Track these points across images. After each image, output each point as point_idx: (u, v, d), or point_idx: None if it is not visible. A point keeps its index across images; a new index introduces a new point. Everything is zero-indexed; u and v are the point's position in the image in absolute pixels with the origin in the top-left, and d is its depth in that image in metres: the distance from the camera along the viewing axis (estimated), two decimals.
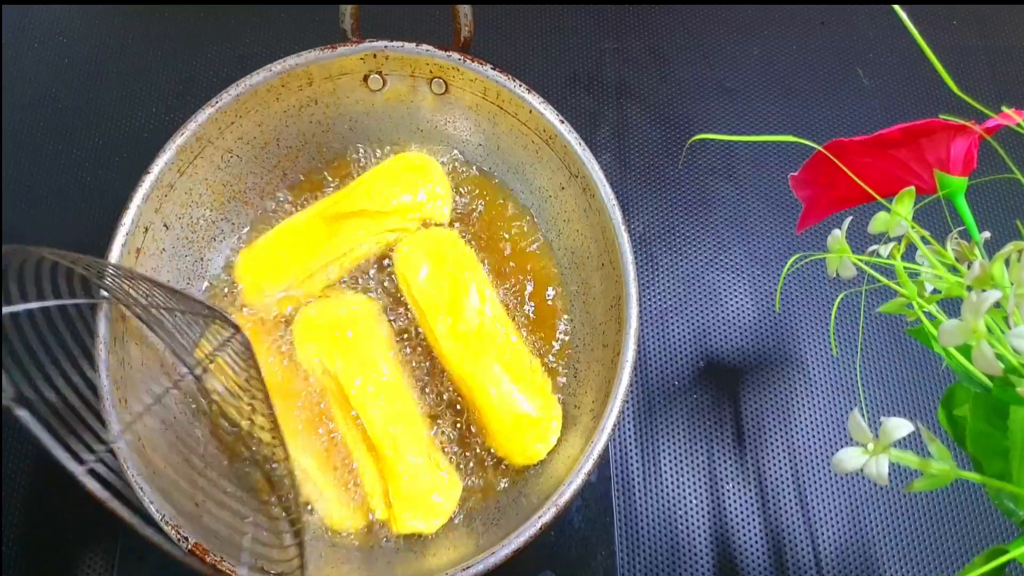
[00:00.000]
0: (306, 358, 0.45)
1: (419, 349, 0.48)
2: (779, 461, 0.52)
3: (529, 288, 0.49)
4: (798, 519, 0.50)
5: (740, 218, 0.59)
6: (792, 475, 0.51)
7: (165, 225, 0.46)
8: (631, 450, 0.52)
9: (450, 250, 0.48)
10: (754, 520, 0.50)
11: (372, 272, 0.50)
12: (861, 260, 0.31)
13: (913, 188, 0.31)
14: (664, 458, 0.51)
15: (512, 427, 0.44)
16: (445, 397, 0.47)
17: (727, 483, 0.51)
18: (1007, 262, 0.27)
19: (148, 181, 0.44)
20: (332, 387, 0.45)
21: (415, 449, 0.44)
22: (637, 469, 0.51)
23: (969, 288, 0.27)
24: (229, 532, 0.35)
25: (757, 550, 0.49)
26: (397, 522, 0.43)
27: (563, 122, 0.46)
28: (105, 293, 0.39)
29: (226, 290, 0.49)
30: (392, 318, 0.48)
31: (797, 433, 0.52)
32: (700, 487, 0.51)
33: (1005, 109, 0.31)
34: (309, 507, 0.44)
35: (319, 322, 0.46)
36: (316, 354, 0.45)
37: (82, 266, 0.34)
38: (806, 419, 0.53)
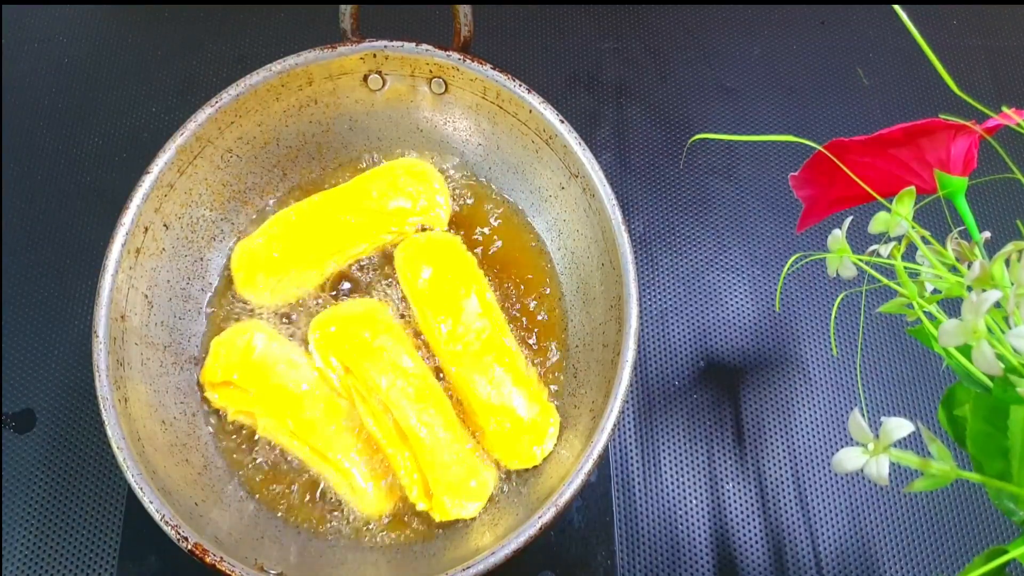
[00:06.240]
0: (327, 364, 0.45)
1: (419, 351, 0.48)
2: (779, 461, 0.52)
3: (528, 289, 0.49)
4: (798, 519, 0.50)
5: (740, 218, 0.59)
6: (792, 475, 0.51)
7: (165, 225, 0.46)
8: (631, 450, 0.52)
9: (452, 255, 0.48)
10: (754, 520, 0.50)
11: (371, 276, 0.50)
12: (861, 260, 0.31)
13: (913, 188, 0.31)
14: (664, 458, 0.51)
15: (510, 429, 0.44)
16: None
17: (727, 483, 0.51)
18: (1007, 262, 0.27)
19: (148, 181, 0.44)
20: (355, 386, 0.45)
21: (450, 436, 0.44)
22: (637, 469, 0.51)
23: (969, 288, 0.27)
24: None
25: (757, 550, 0.49)
26: (440, 510, 0.43)
27: (563, 122, 0.46)
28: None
29: (227, 290, 0.49)
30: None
31: (797, 433, 0.52)
32: (700, 487, 0.51)
33: (1005, 109, 0.31)
34: (339, 504, 0.44)
35: (335, 328, 0.46)
36: (337, 358, 0.45)
37: None
38: (806, 419, 0.53)
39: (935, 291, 0.30)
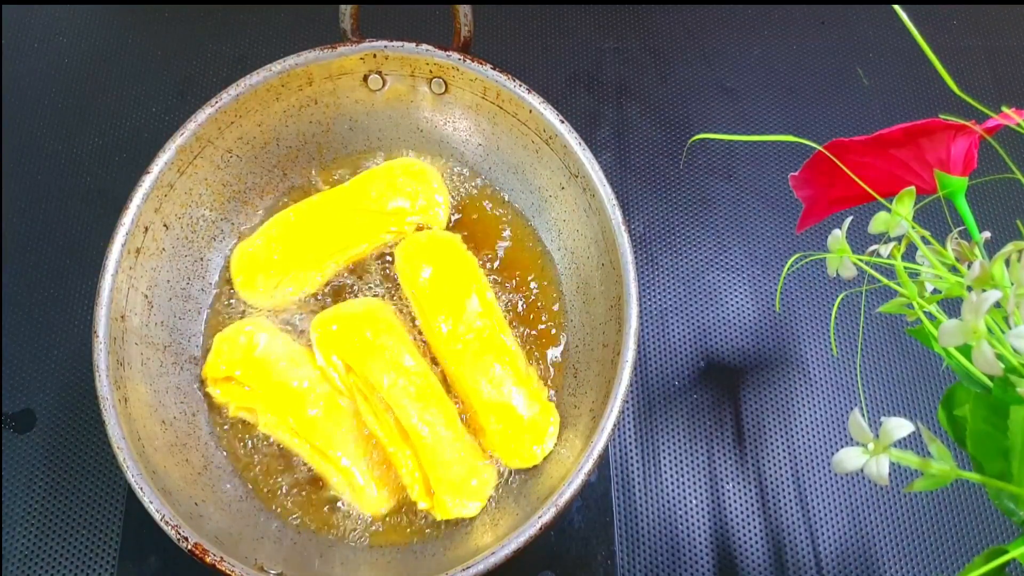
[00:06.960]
0: (328, 362, 0.45)
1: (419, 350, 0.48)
2: (779, 461, 0.52)
3: (528, 289, 0.49)
4: (798, 519, 0.50)
5: (740, 218, 0.59)
6: (792, 475, 0.51)
7: (165, 225, 0.46)
8: (631, 450, 0.52)
9: (452, 254, 0.48)
10: (754, 520, 0.50)
11: (371, 275, 0.50)
12: (861, 260, 0.31)
13: (913, 188, 0.31)
14: (664, 458, 0.51)
15: (510, 428, 0.44)
16: None
17: (727, 483, 0.51)
18: (1007, 262, 0.27)
19: (148, 181, 0.44)
20: (357, 384, 0.45)
21: (452, 435, 0.44)
22: (637, 469, 0.51)
23: (969, 288, 0.27)
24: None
25: (757, 550, 0.49)
26: (441, 509, 0.43)
27: (563, 122, 0.46)
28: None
29: (227, 290, 0.49)
30: None
31: (797, 433, 0.52)
32: (700, 487, 0.51)
33: (1005, 109, 0.31)
34: (340, 503, 0.44)
35: (336, 327, 0.46)
36: (339, 357, 0.45)
37: None
38: (806, 419, 0.53)
39: (935, 291, 0.30)
